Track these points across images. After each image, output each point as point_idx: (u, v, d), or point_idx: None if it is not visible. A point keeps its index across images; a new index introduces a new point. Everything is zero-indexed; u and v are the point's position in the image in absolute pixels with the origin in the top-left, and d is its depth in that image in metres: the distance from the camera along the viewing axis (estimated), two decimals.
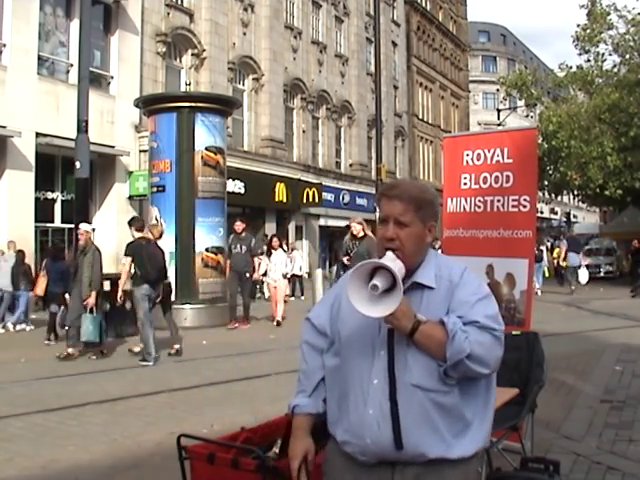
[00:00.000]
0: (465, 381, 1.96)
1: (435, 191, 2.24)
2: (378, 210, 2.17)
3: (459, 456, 1.95)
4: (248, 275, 12.50)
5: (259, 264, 12.91)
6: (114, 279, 12.46)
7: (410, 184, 2.20)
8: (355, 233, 10.08)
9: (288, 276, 13.85)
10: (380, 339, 2.00)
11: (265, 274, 13.22)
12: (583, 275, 21.71)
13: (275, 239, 13.55)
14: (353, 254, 9.86)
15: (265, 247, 14.27)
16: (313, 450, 2.16)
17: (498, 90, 35.02)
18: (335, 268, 16.46)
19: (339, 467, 2.09)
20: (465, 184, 5.12)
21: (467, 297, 1.97)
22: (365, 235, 10.03)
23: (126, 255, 9.10)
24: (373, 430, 1.96)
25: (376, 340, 2.01)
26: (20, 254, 13.07)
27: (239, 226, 12.64)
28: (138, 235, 9.12)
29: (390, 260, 1.97)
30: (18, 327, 12.42)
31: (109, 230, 18.14)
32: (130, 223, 9.38)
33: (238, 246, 12.49)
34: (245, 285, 12.62)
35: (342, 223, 29.19)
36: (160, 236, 9.68)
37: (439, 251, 2.22)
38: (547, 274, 23.80)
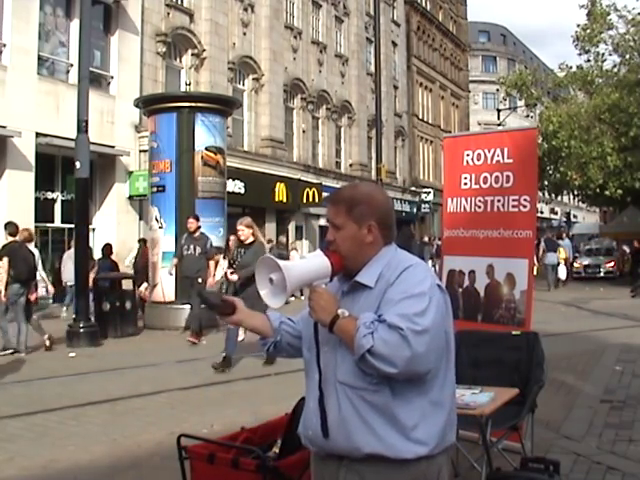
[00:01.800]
0: (397, 382, 1.94)
1: (376, 190, 2.21)
2: None
3: (398, 457, 1.95)
4: (200, 280, 10.72)
5: (216, 266, 11.08)
6: (114, 279, 12.54)
7: (348, 186, 2.24)
8: (243, 239, 8.30)
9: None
10: (323, 336, 2.07)
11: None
12: (562, 272, 22.09)
13: (233, 237, 11.13)
14: (237, 265, 8.15)
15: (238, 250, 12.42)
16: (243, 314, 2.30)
17: (498, 90, 35.03)
18: None
19: (312, 459, 2.22)
20: (465, 184, 5.12)
21: (393, 295, 1.97)
22: (255, 241, 8.31)
23: (1, 256, 9.49)
24: (313, 422, 2.06)
25: (318, 337, 2.09)
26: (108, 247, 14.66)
27: (192, 224, 10.89)
28: (11, 239, 9.79)
29: (314, 255, 2.09)
30: None
31: (109, 230, 18.14)
32: (5, 227, 10.14)
33: (191, 247, 10.83)
34: (194, 292, 10.47)
35: None
36: (30, 239, 10.32)
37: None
38: (535, 272, 24.03)
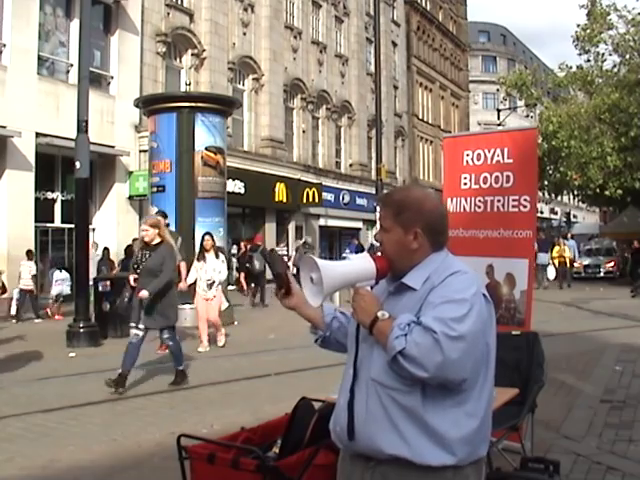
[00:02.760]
0: (430, 388, 1.91)
1: (427, 195, 2.16)
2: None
3: (423, 463, 1.91)
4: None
5: (185, 269, 9.93)
6: (113, 279, 12.52)
7: (400, 189, 2.26)
8: (148, 240, 7.19)
9: (217, 286, 9.99)
10: (363, 333, 2.09)
11: (195, 284, 10.04)
12: (550, 272, 22.29)
13: (208, 237, 10.07)
14: (142, 269, 7.16)
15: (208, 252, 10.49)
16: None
17: (498, 90, 35.02)
18: None
19: (340, 458, 2.20)
20: (465, 184, 5.12)
21: (434, 299, 1.94)
22: (161, 242, 7.21)
23: None
24: (342, 419, 2.06)
25: (359, 334, 2.11)
26: (106, 251, 16.05)
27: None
28: None
29: (358, 257, 2.12)
30: None
31: (109, 230, 18.14)
32: None
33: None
34: None
35: (342, 223, 29.30)
36: None
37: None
38: None
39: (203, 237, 10.20)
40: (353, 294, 2.06)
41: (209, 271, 9.88)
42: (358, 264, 2.08)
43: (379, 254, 2.12)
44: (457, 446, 1.93)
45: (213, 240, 10.18)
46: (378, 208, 2.13)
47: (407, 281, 2.05)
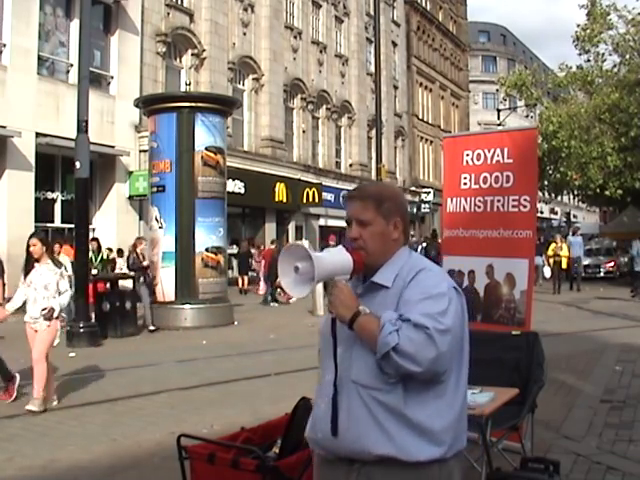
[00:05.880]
0: (412, 383, 1.92)
1: (398, 188, 2.30)
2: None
3: (411, 459, 1.91)
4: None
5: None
6: (113, 279, 12.54)
7: (371, 184, 2.36)
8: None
9: (59, 313, 6.69)
10: (340, 338, 2.05)
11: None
12: (547, 271, 22.01)
13: (35, 241, 6.57)
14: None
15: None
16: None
17: (498, 90, 34.99)
18: None
19: (315, 464, 2.18)
20: (465, 184, 5.12)
21: (412, 296, 1.96)
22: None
23: None
24: (322, 425, 2.02)
25: (334, 339, 2.06)
26: (108, 251, 15.95)
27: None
28: None
29: (337, 250, 2.05)
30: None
31: (109, 230, 18.13)
32: None
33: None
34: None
35: (342, 223, 29.25)
36: None
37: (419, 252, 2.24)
38: None
39: (28, 239, 6.66)
40: (331, 287, 2.01)
41: (40, 289, 6.52)
42: (339, 257, 2.03)
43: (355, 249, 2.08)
44: (442, 436, 1.95)
45: (47, 243, 6.75)
46: (350, 204, 2.07)
47: (378, 280, 2.06)
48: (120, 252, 15.20)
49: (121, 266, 14.55)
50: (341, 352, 2.03)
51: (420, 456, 1.92)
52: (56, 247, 10.96)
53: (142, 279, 12.45)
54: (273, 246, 18.93)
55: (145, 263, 12.77)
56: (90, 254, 14.11)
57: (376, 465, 1.95)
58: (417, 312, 1.90)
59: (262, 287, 18.54)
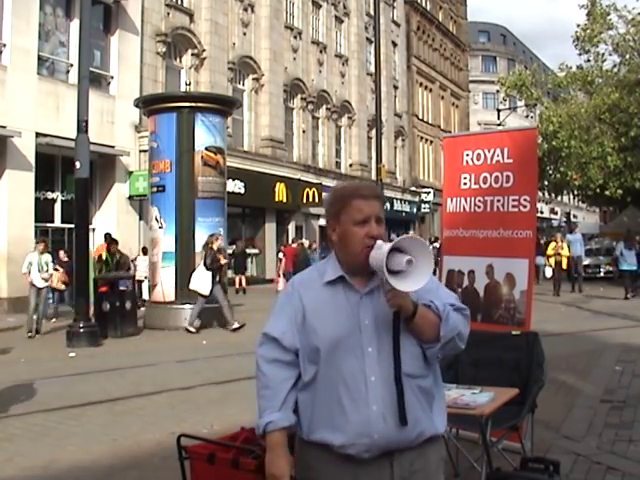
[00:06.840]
0: (436, 365, 2.14)
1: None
2: (343, 212, 2.12)
3: (438, 433, 2.11)
4: None
5: None
6: (112, 279, 12.52)
7: (370, 184, 2.38)
8: None
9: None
10: (366, 337, 2.03)
11: None
12: (548, 271, 22.08)
13: None
14: None
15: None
16: (293, 465, 2.10)
17: (498, 90, 35.01)
18: None
19: (332, 473, 2.05)
20: (465, 184, 5.12)
21: (430, 285, 2.06)
22: None
23: None
24: (380, 426, 1.99)
25: (360, 340, 2.03)
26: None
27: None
28: None
29: (385, 246, 1.99)
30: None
31: (109, 230, 18.12)
32: None
33: None
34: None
35: None
36: None
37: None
38: None
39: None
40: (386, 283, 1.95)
41: None
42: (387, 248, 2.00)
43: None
44: (445, 413, 2.19)
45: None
46: (369, 203, 2.02)
47: None
48: (145, 250, 15.01)
49: (142, 269, 14.63)
50: (374, 353, 2.02)
51: (441, 428, 2.12)
52: (40, 245, 11.80)
53: (217, 278, 12.16)
54: (295, 245, 18.97)
55: (224, 261, 12.37)
56: (105, 255, 14.19)
57: (415, 449, 2.05)
58: (444, 298, 2.09)
59: (281, 283, 18.64)
